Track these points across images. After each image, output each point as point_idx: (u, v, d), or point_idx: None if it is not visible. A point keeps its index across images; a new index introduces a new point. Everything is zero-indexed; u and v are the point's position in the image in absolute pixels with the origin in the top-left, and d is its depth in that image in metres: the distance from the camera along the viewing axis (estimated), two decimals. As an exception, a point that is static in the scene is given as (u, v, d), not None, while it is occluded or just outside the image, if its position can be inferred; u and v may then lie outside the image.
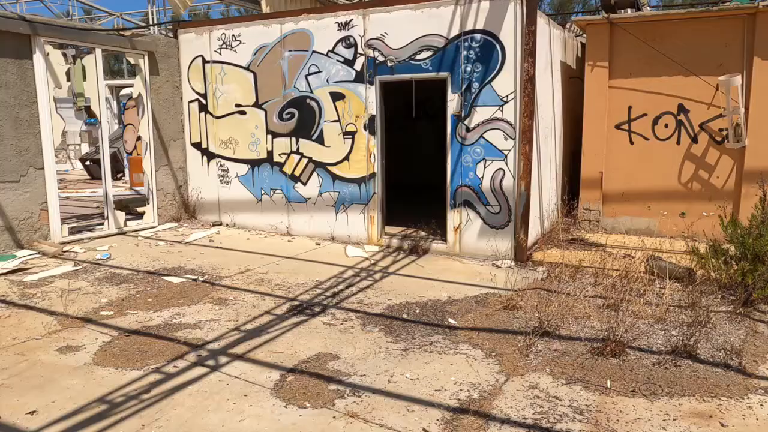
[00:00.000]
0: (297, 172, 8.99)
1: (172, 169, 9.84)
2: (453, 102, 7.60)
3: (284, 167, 9.09)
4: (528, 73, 7.15)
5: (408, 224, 8.98)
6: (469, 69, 7.44)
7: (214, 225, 9.79)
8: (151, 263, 7.38)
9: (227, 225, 9.80)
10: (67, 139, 20.74)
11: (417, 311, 5.71)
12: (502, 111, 7.33)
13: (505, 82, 7.27)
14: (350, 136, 8.43)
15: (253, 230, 9.47)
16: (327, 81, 8.48)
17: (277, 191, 9.22)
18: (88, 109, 21.27)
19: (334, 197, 8.71)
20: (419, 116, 10.16)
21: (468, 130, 7.56)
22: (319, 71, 8.52)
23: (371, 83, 8.12)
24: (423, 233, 8.58)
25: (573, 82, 10.47)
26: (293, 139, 8.93)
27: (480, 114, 7.45)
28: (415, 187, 11.74)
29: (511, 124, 7.31)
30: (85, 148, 20.35)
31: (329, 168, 8.68)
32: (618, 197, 9.34)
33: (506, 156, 7.39)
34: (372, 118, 8.20)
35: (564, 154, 10.03)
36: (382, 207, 8.44)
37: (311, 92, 8.64)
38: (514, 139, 7.32)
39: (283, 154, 9.06)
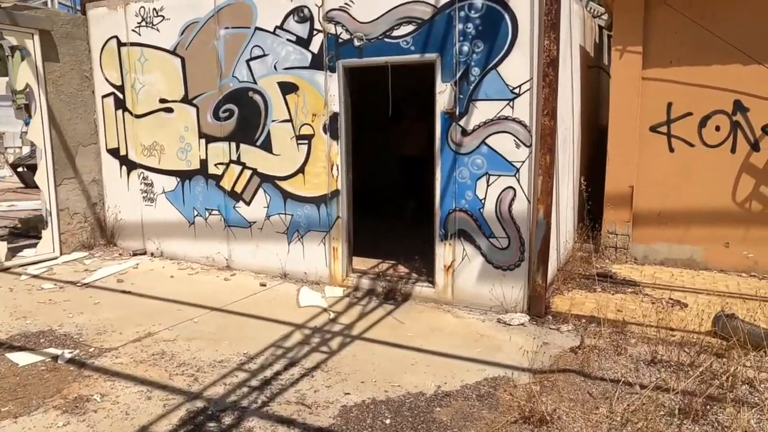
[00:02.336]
0: (238, 188, 6.84)
1: (81, 182, 7.64)
2: (444, 95, 5.49)
3: (222, 181, 6.94)
4: (549, 54, 5.08)
5: (383, 256, 6.86)
6: (465, 49, 5.35)
7: (136, 254, 7.61)
8: (9, 324, 5.16)
9: (152, 254, 7.62)
10: (5, 141, 18.38)
11: (387, 421, 3.59)
12: (512, 107, 5.24)
13: (517, 66, 5.18)
14: (306, 141, 6.30)
15: (185, 262, 7.30)
16: (275, 68, 6.35)
17: (214, 212, 7.07)
18: (27, 107, 19.02)
19: (286, 221, 6.58)
20: (399, 114, 8.06)
21: (465, 133, 5.47)
22: (265, 55, 6.38)
23: (333, 70, 6.01)
24: (403, 270, 6.46)
25: (591, 73, 8.46)
26: (233, 144, 6.78)
27: (481, 111, 5.36)
28: (393, 198, 9.62)
29: (525, 126, 5.22)
30: (27, 152, 17.99)
31: (279, 183, 6.55)
32: (652, 218, 7.31)
33: (518, 170, 5.30)
34: (334, 117, 6.08)
35: (581, 163, 8.00)
36: (349, 236, 6.32)
37: (254, 83, 6.50)
38: (529, 146, 5.23)
39: (221, 164, 6.91)
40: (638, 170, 7.28)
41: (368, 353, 4.64)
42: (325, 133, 6.15)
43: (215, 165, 6.94)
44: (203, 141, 6.97)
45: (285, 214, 6.56)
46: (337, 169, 6.15)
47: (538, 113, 5.17)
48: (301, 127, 6.30)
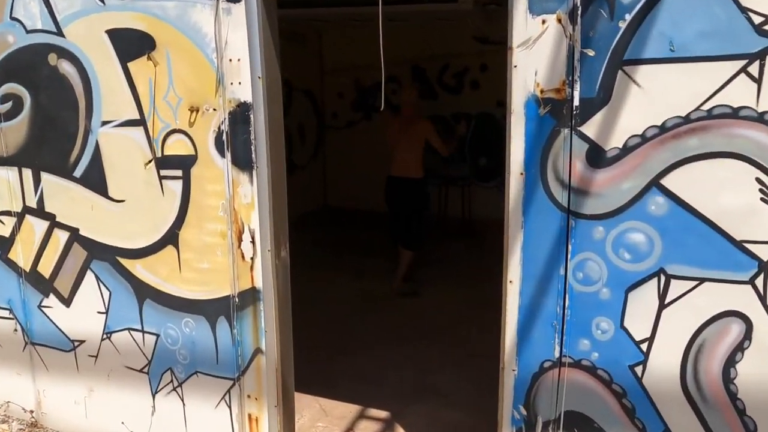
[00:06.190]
0: (45, 268, 3.15)
1: None
2: (535, 48, 1.96)
3: (11, 251, 3.24)
4: None
5: (367, 390, 3.30)
6: None
7: None
8: None
9: None
10: None
11: None
12: (758, 82, 1.76)
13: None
14: (178, 173, 2.67)
15: (-47, 411, 3.58)
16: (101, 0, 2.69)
17: (3, 312, 3.37)
18: None
19: (146, 348, 2.94)
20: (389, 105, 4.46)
21: (597, 159, 1.94)
22: (77, -34, 2.72)
23: (233, -5, 2.40)
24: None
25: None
26: (26, 173, 3.09)
27: (653, 94, 1.85)
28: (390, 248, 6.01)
29: (793, 141, 1.75)
30: None
31: (125, 263, 2.90)
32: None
33: (760, 268, 1.82)
34: (241, 115, 2.48)
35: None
36: (284, 390, 2.73)
37: (59, 33, 2.82)
38: (804, 200, 1.77)
39: (5, 214, 3.21)
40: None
41: None
42: (222, 154, 2.54)
43: (-4, 217, 3.23)
44: (-32, 165, 3.25)
45: (143, 331, 2.93)
46: (253, 240, 2.55)
47: None
48: (166, 138, 2.66)
